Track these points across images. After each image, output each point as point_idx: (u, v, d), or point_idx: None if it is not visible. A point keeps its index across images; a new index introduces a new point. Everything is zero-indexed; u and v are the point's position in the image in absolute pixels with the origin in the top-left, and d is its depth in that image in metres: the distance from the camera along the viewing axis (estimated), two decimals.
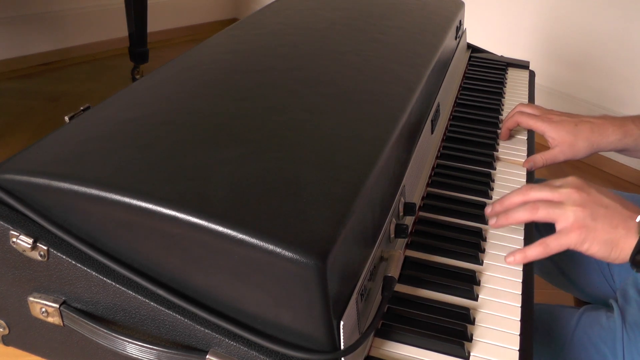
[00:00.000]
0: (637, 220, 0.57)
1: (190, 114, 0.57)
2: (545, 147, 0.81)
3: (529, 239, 0.67)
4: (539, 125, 0.81)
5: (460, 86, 1.05)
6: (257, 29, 0.82)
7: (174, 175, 0.47)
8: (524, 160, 0.84)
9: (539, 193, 0.61)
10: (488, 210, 0.66)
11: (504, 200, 0.64)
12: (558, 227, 0.59)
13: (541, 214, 0.59)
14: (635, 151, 0.80)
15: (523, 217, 0.61)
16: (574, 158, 0.80)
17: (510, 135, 0.89)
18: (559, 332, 0.72)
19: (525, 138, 0.90)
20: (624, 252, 0.56)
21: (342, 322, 0.44)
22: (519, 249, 0.61)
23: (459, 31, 1.05)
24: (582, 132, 0.78)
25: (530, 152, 0.87)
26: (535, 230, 0.90)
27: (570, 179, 0.62)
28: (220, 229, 0.43)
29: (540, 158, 0.82)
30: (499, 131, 0.90)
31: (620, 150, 0.81)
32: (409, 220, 0.66)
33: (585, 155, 0.79)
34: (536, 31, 2.26)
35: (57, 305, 0.50)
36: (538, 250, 0.59)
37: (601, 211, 0.57)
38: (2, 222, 0.49)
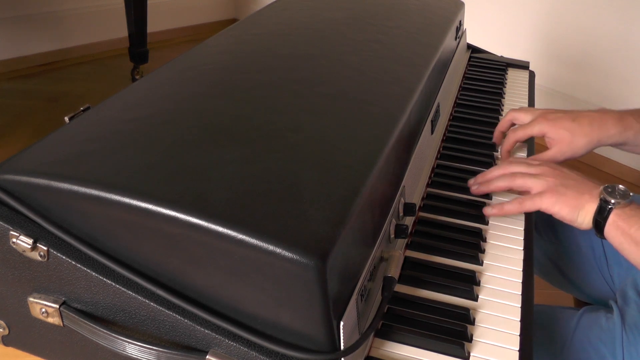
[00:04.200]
0: (601, 188, 0.62)
1: (190, 115, 0.57)
2: (545, 146, 0.79)
3: (528, 240, 0.68)
4: (536, 130, 0.77)
5: (460, 86, 1.05)
6: (257, 29, 0.82)
7: (174, 176, 0.47)
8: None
9: (517, 167, 0.69)
10: (471, 181, 0.74)
11: (485, 173, 0.72)
12: (533, 192, 0.66)
13: (518, 182, 0.67)
14: (634, 145, 0.78)
15: (502, 185, 0.69)
16: (573, 156, 0.77)
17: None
18: (559, 333, 0.72)
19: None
20: (589, 215, 0.62)
21: (342, 323, 0.44)
22: (497, 203, 0.69)
23: (459, 31, 1.05)
24: (580, 128, 0.75)
25: (531, 151, 0.86)
26: (536, 232, 0.90)
27: (546, 159, 0.72)
28: (219, 229, 0.43)
29: None
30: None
31: (619, 145, 0.78)
32: (409, 221, 0.66)
33: (585, 151, 0.76)
34: (536, 31, 2.26)
35: (57, 306, 0.50)
36: (514, 206, 0.67)
37: (571, 182, 0.65)
38: (2, 223, 0.49)
